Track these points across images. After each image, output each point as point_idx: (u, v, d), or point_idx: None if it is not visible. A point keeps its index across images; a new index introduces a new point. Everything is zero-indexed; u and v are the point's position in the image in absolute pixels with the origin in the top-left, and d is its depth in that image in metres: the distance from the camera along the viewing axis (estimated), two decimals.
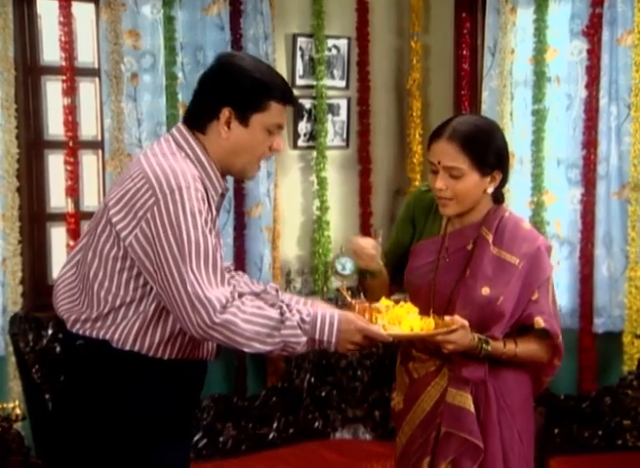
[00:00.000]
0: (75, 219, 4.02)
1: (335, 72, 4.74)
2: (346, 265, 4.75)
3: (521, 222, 2.46)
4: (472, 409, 2.36)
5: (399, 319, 2.29)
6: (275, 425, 4.09)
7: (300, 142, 4.66)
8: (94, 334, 2.20)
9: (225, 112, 2.17)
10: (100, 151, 4.18)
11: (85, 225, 4.10)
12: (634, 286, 4.01)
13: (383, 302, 2.36)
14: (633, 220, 4.01)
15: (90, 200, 4.20)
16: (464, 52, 4.72)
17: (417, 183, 4.89)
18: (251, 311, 2.13)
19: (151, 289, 2.16)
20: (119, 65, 4.06)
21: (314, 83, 4.61)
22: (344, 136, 4.78)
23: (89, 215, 4.08)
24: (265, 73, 2.22)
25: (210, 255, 2.10)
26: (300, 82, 4.63)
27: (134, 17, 4.10)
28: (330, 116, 4.70)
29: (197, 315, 2.08)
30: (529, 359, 2.42)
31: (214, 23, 4.29)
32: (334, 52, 4.71)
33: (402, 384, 2.56)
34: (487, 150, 2.37)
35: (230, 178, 2.30)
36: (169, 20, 4.14)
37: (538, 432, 3.64)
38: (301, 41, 4.60)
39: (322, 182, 4.65)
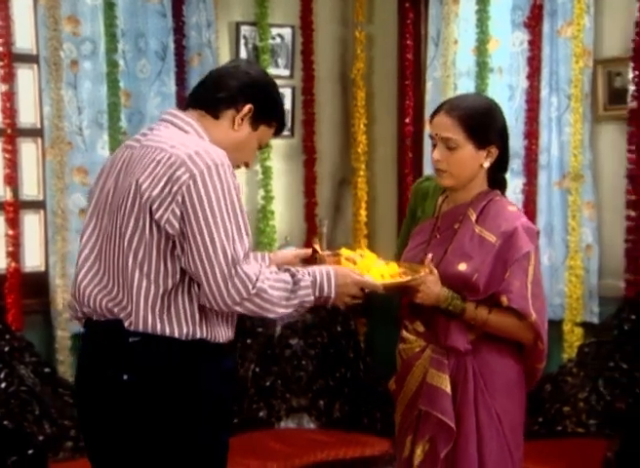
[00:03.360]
0: (14, 208, 3.94)
1: (279, 61, 4.72)
2: None
3: (508, 205, 2.48)
4: (448, 389, 2.40)
5: (368, 268, 2.37)
6: None
7: None
8: (157, 331, 2.16)
9: (247, 107, 2.26)
10: (39, 139, 4.11)
11: (24, 214, 4.04)
12: (574, 275, 4.07)
13: (344, 253, 2.43)
14: (573, 210, 4.07)
15: (29, 189, 4.13)
16: (408, 42, 4.74)
17: (362, 173, 4.91)
18: (273, 277, 2.17)
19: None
20: (58, 52, 3.99)
21: None
22: (289, 125, 4.76)
23: (28, 204, 4.07)
24: (281, 99, 2.43)
25: (246, 230, 2.15)
26: None
27: (73, 2, 4.04)
28: None
29: (234, 289, 2.10)
30: (503, 331, 2.42)
31: (155, 10, 4.25)
32: (277, 40, 4.69)
33: (398, 366, 2.62)
34: (482, 123, 2.41)
35: None
36: (109, 6, 4.08)
37: None
38: (245, 29, 4.57)
39: (267, 172, 4.64)
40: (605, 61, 4.02)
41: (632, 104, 3.84)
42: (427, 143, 4.76)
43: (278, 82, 4.62)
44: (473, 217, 2.44)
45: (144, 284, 2.14)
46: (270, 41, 4.62)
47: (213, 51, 4.42)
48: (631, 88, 3.84)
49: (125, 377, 2.16)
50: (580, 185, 4.05)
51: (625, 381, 3.73)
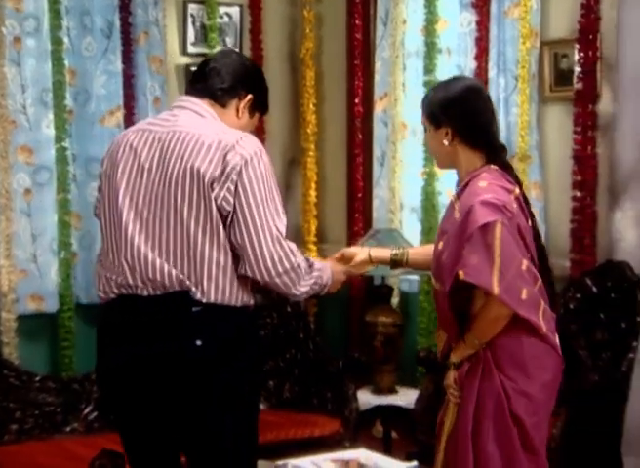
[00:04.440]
0: None
1: (227, 40, 4.68)
2: None
3: (480, 181, 2.49)
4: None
5: None
6: None
7: None
8: (226, 299, 2.37)
9: (248, 97, 2.51)
10: None
11: None
12: None
13: None
14: None
15: None
16: (357, 21, 4.73)
17: (311, 153, 4.90)
18: (300, 257, 2.43)
19: None
20: (0, 28, 3.90)
21: (206, 51, 4.54)
22: None
23: None
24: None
25: (283, 211, 2.41)
26: (191, 49, 4.56)
27: None
28: None
29: (279, 261, 2.35)
30: (491, 327, 2.46)
31: None
32: (226, 19, 4.65)
33: None
34: (432, 102, 2.56)
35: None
36: None
37: (429, 396, 3.72)
38: (192, 7, 4.52)
39: None
40: (551, 43, 4.05)
41: (578, 85, 3.88)
42: (377, 123, 4.77)
43: None
44: (454, 197, 2.55)
45: (215, 256, 2.34)
46: (218, 20, 4.57)
47: (160, 29, 4.37)
48: (577, 69, 3.88)
49: (198, 343, 2.32)
50: (527, 166, 4.09)
51: (570, 360, 3.78)
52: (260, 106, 2.57)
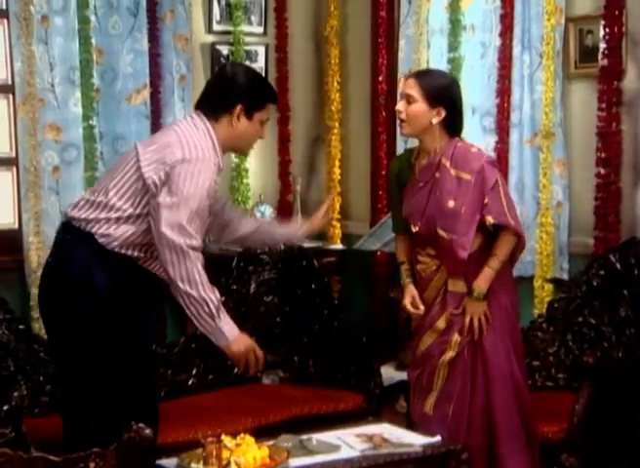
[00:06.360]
0: None
1: (252, 18, 4.70)
2: (265, 212, 4.76)
3: (470, 147, 3.17)
4: (465, 290, 3.17)
5: (244, 452, 2.70)
6: (195, 372, 4.10)
7: None
8: (93, 230, 2.79)
9: (238, 108, 2.83)
10: (10, 96, 4.08)
11: None
12: (545, 231, 4.12)
13: (225, 439, 2.74)
14: (544, 167, 4.11)
15: (1, 145, 4.11)
16: None
17: (336, 131, 4.92)
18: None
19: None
20: (29, 7, 3.96)
21: (231, 29, 4.57)
22: None
23: (0, 161, 4.05)
24: (266, 82, 3.08)
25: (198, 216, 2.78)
26: (217, 27, 4.58)
27: None
28: (248, 62, 4.66)
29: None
30: (510, 249, 3.16)
31: None
32: None
33: (418, 279, 3.31)
34: (434, 87, 3.10)
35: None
36: None
37: None
38: None
39: None
40: (576, 19, 4.04)
41: (603, 62, 3.86)
42: None
43: (251, 39, 4.69)
44: (448, 164, 3.11)
45: (119, 204, 2.84)
46: None
47: (185, 7, 4.40)
48: (602, 45, 3.86)
49: (50, 260, 2.93)
50: (551, 143, 4.08)
51: (593, 336, 3.80)
52: (255, 108, 2.85)
